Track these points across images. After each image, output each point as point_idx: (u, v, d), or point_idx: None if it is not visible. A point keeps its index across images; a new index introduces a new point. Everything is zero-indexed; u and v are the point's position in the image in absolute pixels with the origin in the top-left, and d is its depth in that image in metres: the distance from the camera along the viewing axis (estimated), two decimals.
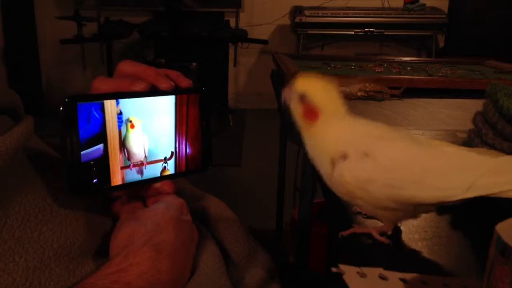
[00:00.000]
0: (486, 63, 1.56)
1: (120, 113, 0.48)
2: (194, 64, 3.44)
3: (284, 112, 0.50)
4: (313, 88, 0.47)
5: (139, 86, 0.49)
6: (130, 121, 0.49)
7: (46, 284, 0.41)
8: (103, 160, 0.47)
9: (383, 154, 0.45)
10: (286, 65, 1.29)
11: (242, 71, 4.32)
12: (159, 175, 0.52)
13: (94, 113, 0.46)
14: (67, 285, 0.43)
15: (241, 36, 3.72)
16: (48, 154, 0.52)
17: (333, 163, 0.46)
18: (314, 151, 0.48)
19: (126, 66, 0.51)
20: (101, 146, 0.47)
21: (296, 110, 0.48)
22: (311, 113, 0.47)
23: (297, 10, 3.78)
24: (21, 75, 3.77)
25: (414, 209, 0.46)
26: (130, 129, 0.49)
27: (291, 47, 4.08)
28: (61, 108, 0.44)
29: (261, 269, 0.60)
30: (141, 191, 0.53)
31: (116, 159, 0.48)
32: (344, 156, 0.45)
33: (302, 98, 0.47)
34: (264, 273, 0.60)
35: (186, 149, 0.54)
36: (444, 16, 3.74)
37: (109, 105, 0.47)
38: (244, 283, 0.57)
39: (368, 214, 0.52)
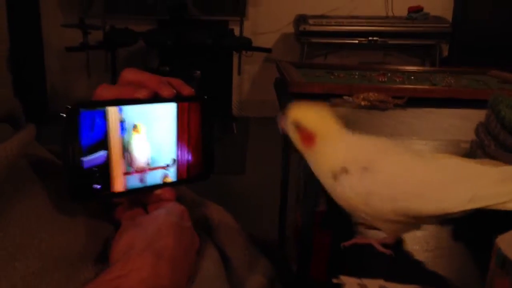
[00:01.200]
0: (489, 73, 1.56)
1: (122, 121, 0.48)
2: (198, 72, 3.45)
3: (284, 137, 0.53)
4: (305, 115, 0.50)
5: (142, 94, 0.49)
6: (136, 126, 0.49)
7: None
8: (105, 166, 0.48)
9: (383, 169, 0.45)
10: (290, 74, 1.30)
11: (246, 79, 4.32)
12: (160, 182, 0.53)
13: (98, 120, 0.46)
14: None
15: (245, 44, 3.73)
16: (49, 161, 0.52)
17: (335, 177, 0.46)
18: (317, 169, 0.50)
19: (129, 74, 0.52)
20: (103, 153, 0.47)
21: (294, 137, 0.50)
22: (308, 138, 0.49)
23: (301, 19, 3.79)
24: (26, 82, 3.79)
25: (417, 221, 0.46)
26: (134, 134, 0.49)
27: (295, 55, 4.08)
28: (64, 115, 0.44)
29: (262, 276, 0.60)
30: (142, 197, 0.53)
31: (118, 166, 0.49)
32: (345, 172, 0.46)
33: (297, 126, 0.49)
34: (265, 281, 0.60)
35: (187, 157, 0.54)
36: (448, 25, 3.74)
37: (112, 113, 0.47)
38: None
39: (372, 226, 0.52)
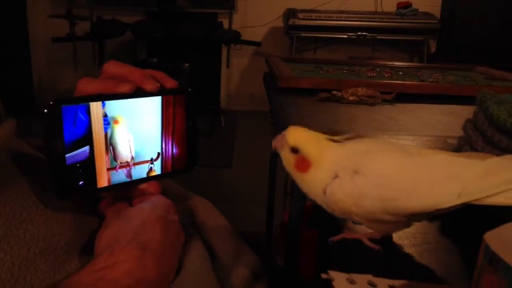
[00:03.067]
0: (477, 69, 1.57)
1: (105, 116, 0.47)
2: (187, 65, 3.43)
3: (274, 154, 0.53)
4: (305, 142, 0.49)
5: (125, 88, 0.48)
6: (114, 118, 0.48)
7: (31, 281, 0.41)
8: (89, 162, 0.47)
9: (372, 169, 0.46)
10: (279, 68, 1.30)
11: (235, 72, 4.32)
12: (145, 175, 0.52)
13: (80, 115, 0.45)
14: (52, 282, 0.43)
15: (234, 38, 3.72)
16: (31, 155, 0.52)
17: (325, 188, 0.47)
18: (309, 192, 0.50)
19: (111, 67, 0.51)
20: (86, 148, 0.46)
21: (288, 160, 0.50)
22: (303, 164, 0.49)
23: (290, 13, 3.79)
24: (12, 73, 3.74)
25: (407, 219, 0.46)
26: (114, 126, 0.48)
27: (284, 49, 4.08)
28: (45, 111, 0.43)
29: (248, 269, 0.60)
30: (127, 191, 0.53)
31: (102, 161, 0.48)
32: (335, 177, 0.46)
33: (294, 150, 0.49)
34: (251, 273, 0.60)
35: (172, 150, 0.54)
36: (436, 21, 3.77)
37: (95, 107, 0.46)
38: (230, 282, 0.57)
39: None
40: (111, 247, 0.44)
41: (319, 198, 0.48)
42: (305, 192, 0.50)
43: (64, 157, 0.45)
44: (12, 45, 3.79)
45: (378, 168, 0.46)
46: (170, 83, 0.52)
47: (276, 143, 0.51)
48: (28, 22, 3.91)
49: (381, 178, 0.45)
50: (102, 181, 0.48)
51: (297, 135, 0.50)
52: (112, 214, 0.49)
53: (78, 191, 0.47)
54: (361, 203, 0.45)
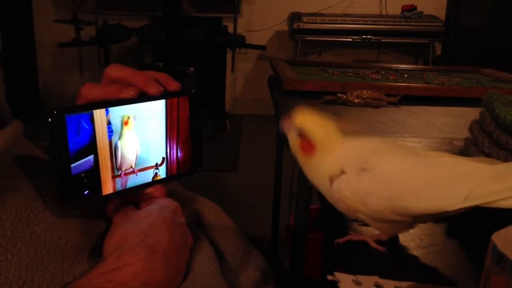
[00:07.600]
0: (482, 72, 1.57)
1: (109, 123, 0.47)
2: (192, 69, 3.44)
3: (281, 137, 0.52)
4: (311, 125, 0.49)
5: (129, 93, 0.48)
6: (126, 120, 0.48)
7: (39, 283, 0.41)
8: (94, 171, 0.46)
9: (380, 167, 0.45)
10: (284, 71, 1.30)
11: (240, 76, 4.32)
12: (150, 180, 0.52)
13: (84, 124, 0.45)
14: (61, 284, 0.43)
15: (239, 42, 3.73)
16: (38, 156, 0.52)
17: (331, 181, 0.46)
18: (314, 178, 0.49)
19: (114, 71, 0.50)
20: (91, 157, 0.46)
21: (294, 143, 0.50)
22: (309, 147, 0.48)
23: (295, 16, 3.80)
24: (18, 78, 3.77)
25: (413, 220, 0.46)
26: (125, 130, 0.48)
27: (288, 53, 4.09)
28: (49, 120, 0.43)
29: (256, 270, 0.60)
30: (133, 196, 0.53)
31: (107, 170, 0.47)
32: (342, 173, 0.46)
33: (300, 132, 0.49)
34: (259, 275, 0.60)
35: (177, 153, 0.53)
36: (441, 24, 3.76)
37: (99, 115, 0.46)
38: (239, 284, 0.57)
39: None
40: (119, 250, 0.45)
41: (322, 186, 0.48)
42: (308, 176, 0.50)
43: (70, 167, 0.44)
44: (19, 50, 3.81)
45: (385, 166, 0.46)
46: (174, 85, 0.52)
47: (283, 124, 0.51)
48: (34, 27, 3.94)
49: (388, 176, 0.45)
50: (107, 190, 0.48)
51: (304, 118, 0.49)
52: (120, 217, 0.49)
53: (83, 201, 0.46)
54: (367, 201, 0.45)
